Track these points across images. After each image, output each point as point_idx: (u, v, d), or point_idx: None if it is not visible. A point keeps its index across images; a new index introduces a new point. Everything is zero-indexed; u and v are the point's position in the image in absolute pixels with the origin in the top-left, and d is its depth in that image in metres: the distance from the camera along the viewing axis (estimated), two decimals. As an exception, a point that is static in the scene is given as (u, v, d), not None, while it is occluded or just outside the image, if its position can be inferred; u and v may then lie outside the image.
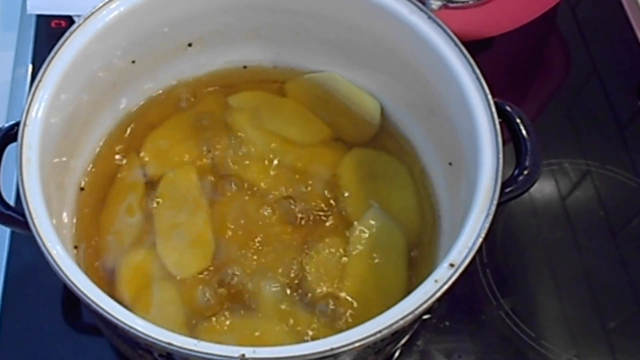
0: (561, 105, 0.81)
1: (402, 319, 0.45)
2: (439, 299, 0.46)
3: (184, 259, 0.59)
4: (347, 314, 0.57)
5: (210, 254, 0.59)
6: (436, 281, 0.47)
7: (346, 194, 0.63)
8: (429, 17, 0.58)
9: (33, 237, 0.48)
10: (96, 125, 0.63)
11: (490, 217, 0.49)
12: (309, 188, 0.63)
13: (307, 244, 0.60)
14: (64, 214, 0.59)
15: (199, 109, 0.67)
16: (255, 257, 0.59)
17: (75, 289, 0.46)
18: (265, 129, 0.66)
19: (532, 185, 0.54)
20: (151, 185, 0.63)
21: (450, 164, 0.61)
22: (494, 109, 0.54)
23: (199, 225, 0.61)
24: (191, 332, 0.56)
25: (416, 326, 0.61)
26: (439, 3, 0.73)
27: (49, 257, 0.47)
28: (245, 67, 0.70)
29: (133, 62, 0.63)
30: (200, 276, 0.58)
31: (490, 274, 0.68)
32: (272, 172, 0.64)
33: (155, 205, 0.61)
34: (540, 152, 0.55)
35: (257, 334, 0.56)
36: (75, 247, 0.59)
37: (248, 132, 0.66)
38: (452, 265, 0.47)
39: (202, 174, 0.63)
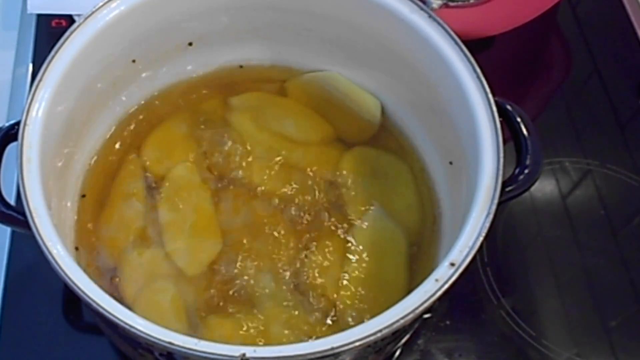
0: (562, 104, 0.81)
1: (402, 318, 0.45)
2: (439, 298, 0.46)
3: (194, 256, 0.59)
4: (348, 313, 0.57)
5: (218, 250, 0.59)
6: (437, 280, 0.47)
7: (347, 193, 0.63)
8: (430, 16, 0.58)
9: (33, 236, 0.48)
10: (96, 125, 0.63)
11: (491, 216, 0.49)
12: (310, 187, 0.63)
13: (308, 243, 0.60)
14: (65, 213, 0.59)
15: (200, 108, 0.67)
16: (255, 256, 0.59)
17: (76, 289, 0.46)
18: (265, 129, 0.66)
19: (532, 184, 0.54)
20: (152, 184, 0.63)
21: (450, 163, 0.61)
22: (494, 108, 0.54)
23: (205, 223, 0.61)
24: (192, 331, 0.56)
25: (417, 325, 0.61)
26: (440, 2, 0.73)
27: (49, 257, 0.47)
28: (245, 66, 0.70)
29: (133, 61, 0.63)
30: (201, 275, 0.58)
31: (490, 273, 0.68)
32: (272, 172, 0.64)
33: (158, 204, 0.61)
34: (541, 151, 0.55)
35: (257, 333, 0.56)
36: (76, 247, 0.59)
37: (249, 132, 0.66)
38: (452, 264, 0.47)
39: (202, 173, 0.63)
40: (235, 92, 0.68)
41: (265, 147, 0.65)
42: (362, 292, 0.58)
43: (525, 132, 0.55)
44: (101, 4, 0.57)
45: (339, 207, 0.62)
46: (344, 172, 0.64)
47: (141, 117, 0.66)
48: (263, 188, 0.63)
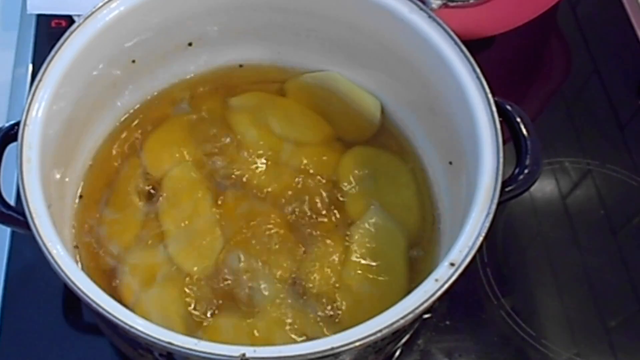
0: (561, 104, 0.81)
1: (402, 318, 0.45)
2: (439, 298, 0.46)
3: (194, 256, 0.59)
4: (348, 314, 0.57)
5: (219, 250, 0.59)
6: (436, 280, 0.47)
7: (346, 193, 0.63)
8: (429, 16, 0.58)
9: (33, 236, 0.48)
10: (96, 125, 0.63)
11: (491, 216, 0.49)
12: (310, 187, 0.63)
13: (308, 243, 0.60)
14: (65, 213, 0.59)
15: (200, 108, 0.67)
16: (255, 256, 0.59)
17: (76, 289, 0.46)
18: (265, 129, 0.66)
19: (532, 185, 0.54)
20: (152, 184, 0.63)
21: (450, 162, 0.61)
22: (494, 108, 0.54)
23: (206, 223, 0.61)
24: (192, 331, 0.56)
25: (417, 325, 0.61)
26: (439, 2, 0.73)
27: (49, 257, 0.47)
28: (245, 66, 0.69)
29: (133, 61, 0.63)
30: (201, 276, 0.59)
31: (490, 273, 0.68)
32: (272, 172, 0.64)
33: (158, 204, 0.61)
34: (541, 151, 0.55)
35: (257, 333, 0.56)
36: (76, 247, 0.59)
37: (248, 132, 0.66)
38: (452, 264, 0.47)
39: (202, 173, 0.63)
40: (235, 92, 0.68)
41: (265, 147, 0.65)
42: (362, 292, 0.58)
43: (525, 132, 0.55)
44: (101, 4, 0.57)
45: (338, 207, 0.62)
46: (344, 172, 0.64)
47: (141, 117, 0.66)
48: (263, 188, 0.63)
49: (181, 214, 0.61)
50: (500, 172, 0.51)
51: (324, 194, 0.63)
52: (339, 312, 0.57)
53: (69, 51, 0.56)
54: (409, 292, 0.47)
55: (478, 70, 0.55)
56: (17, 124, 0.52)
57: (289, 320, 0.57)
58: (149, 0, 0.59)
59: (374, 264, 0.59)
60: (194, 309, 0.57)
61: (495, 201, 0.50)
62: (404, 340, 0.60)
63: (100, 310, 0.45)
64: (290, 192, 0.63)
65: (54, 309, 0.64)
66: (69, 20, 0.78)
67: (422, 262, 0.60)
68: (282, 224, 0.61)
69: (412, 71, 0.61)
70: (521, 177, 0.54)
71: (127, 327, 0.45)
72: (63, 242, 0.48)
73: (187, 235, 0.60)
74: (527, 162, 0.54)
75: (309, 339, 0.55)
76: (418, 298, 0.46)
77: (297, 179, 0.63)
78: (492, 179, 0.51)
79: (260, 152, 0.65)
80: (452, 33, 0.57)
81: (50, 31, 0.79)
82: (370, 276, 0.59)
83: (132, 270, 0.59)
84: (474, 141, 0.53)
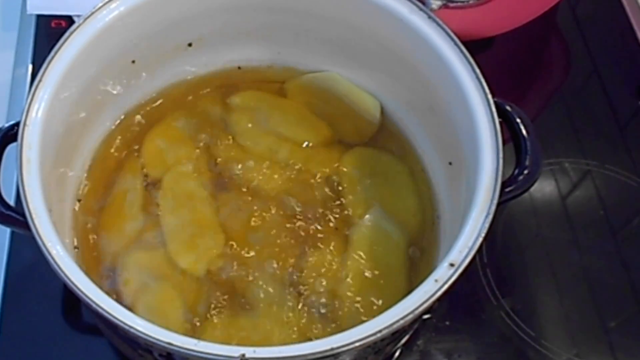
0: (561, 105, 0.81)
1: (402, 318, 0.45)
2: (439, 299, 0.46)
3: (195, 256, 0.59)
4: (348, 314, 0.57)
5: (219, 250, 0.59)
6: (436, 281, 0.47)
7: (346, 194, 0.63)
8: (429, 17, 0.58)
9: (33, 237, 0.48)
10: (96, 125, 0.63)
11: (491, 217, 0.49)
12: (309, 188, 0.63)
13: (308, 244, 0.60)
14: (64, 214, 0.59)
15: (199, 108, 0.67)
16: (255, 257, 0.59)
17: (75, 289, 0.46)
18: (265, 129, 0.66)
19: (532, 185, 0.54)
20: (151, 184, 0.63)
21: (450, 163, 0.61)
22: (494, 109, 0.54)
23: (206, 223, 0.61)
24: (191, 331, 0.56)
25: (416, 326, 0.61)
26: (439, 3, 0.73)
27: (49, 257, 0.47)
28: (244, 66, 0.70)
29: (133, 62, 0.63)
30: (200, 276, 0.59)
31: (490, 273, 0.68)
32: (272, 172, 0.64)
33: (159, 205, 0.62)
34: (541, 151, 0.55)
35: (257, 333, 0.56)
36: (76, 247, 0.59)
37: (248, 133, 0.66)
38: (452, 264, 0.47)
39: (202, 173, 0.63)
40: (234, 92, 0.68)
41: (265, 148, 0.65)
42: (362, 292, 0.58)
43: (524, 132, 0.55)
44: (101, 4, 0.57)
45: (338, 208, 0.62)
46: (344, 172, 0.64)
47: (140, 117, 0.66)
48: (262, 189, 0.63)
49: (181, 213, 0.61)
50: (500, 173, 0.51)
51: (324, 195, 0.63)
52: (339, 312, 0.57)
53: (69, 51, 0.56)
54: (409, 292, 0.47)
55: (478, 70, 0.55)
56: (17, 124, 0.52)
57: (289, 321, 0.57)
58: (149, 0, 0.59)
59: (374, 264, 0.59)
60: (194, 309, 0.57)
61: (495, 202, 0.50)
62: (403, 340, 0.60)
63: (100, 310, 0.45)
64: (290, 193, 0.63)
65: (54, 309, 0.64)
66: (69, 20, 0.78)
67: (422, 263, 0.60)
68: (281, 225, 0.61)
69: (412, 72, 0.61)
70: (521, 177, 0.54)
71: (127, 327, 0.45)
72: (62, 242, 0.48)
73: (186, 235, 0.60)
74: (527, 162, 0.54)
75: (308, 339, 0.55)
76: (418, 298, 0.46)
77: (296, 180, 0.63)
78: (492, 180, 0.51)
79: (260, 152, 0.65)
80: (451, 33, 0.57)
81: (50, 31, 0.79)
82: (370, 277, 0.59)
83: (131, 270, 0.59)
84: (473, 141, 0.53)
